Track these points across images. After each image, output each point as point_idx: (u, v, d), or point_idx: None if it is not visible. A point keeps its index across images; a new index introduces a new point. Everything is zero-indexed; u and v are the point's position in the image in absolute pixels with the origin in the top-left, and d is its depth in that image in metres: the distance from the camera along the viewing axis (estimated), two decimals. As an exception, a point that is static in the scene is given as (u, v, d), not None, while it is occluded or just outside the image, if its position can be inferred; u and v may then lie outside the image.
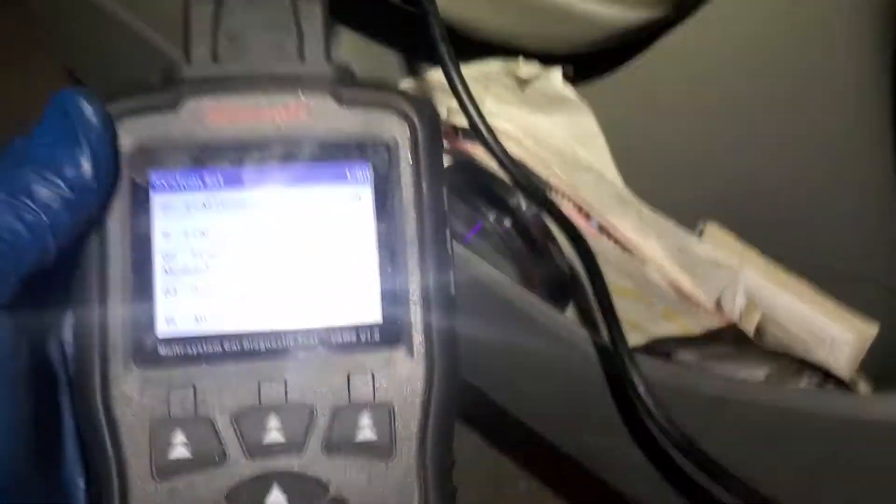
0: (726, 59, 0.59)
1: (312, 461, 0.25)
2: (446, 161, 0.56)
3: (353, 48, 0.66)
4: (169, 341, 0.25)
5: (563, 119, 0.56)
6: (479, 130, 0.36)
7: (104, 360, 0.24)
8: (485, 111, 0.36)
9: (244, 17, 0.26)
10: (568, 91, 0.56)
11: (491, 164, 0.54)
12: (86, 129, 0.23)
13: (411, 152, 0.26)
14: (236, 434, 0.24)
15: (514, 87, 0.57)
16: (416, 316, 0.26)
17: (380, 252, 0.26)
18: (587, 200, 0.53)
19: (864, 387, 0.49)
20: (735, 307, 0.49)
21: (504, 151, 0.37)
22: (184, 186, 0.25)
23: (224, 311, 0.25)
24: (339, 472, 0.25)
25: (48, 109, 0.23)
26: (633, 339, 0.52)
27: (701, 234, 0.54)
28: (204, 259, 0.25)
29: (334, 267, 0.26)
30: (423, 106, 0.27)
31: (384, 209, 0.26)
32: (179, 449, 0.24)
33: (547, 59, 0.57)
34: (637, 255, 0.51)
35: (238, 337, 0.25)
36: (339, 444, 0.25)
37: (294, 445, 0.25)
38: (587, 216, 0.54)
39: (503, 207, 0.53)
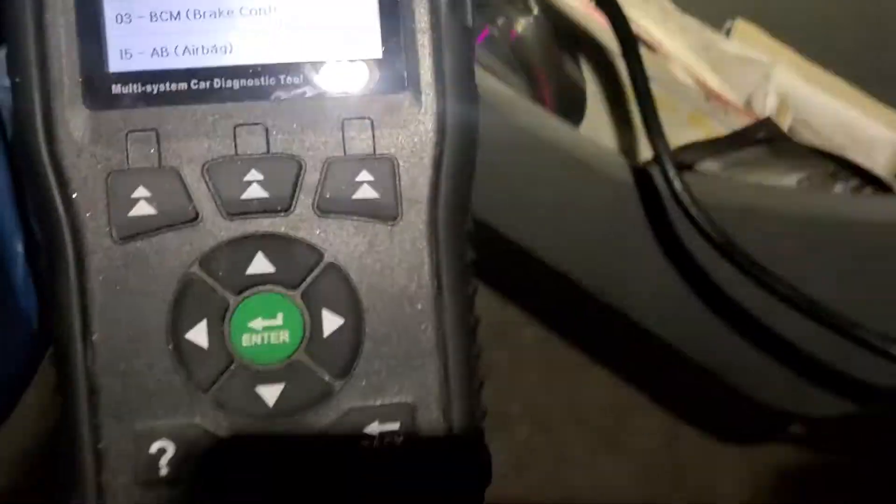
0: None
1: (302, 223, 0.21)
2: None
3: None
4: (124, 77, 0.21)
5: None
6: None
7: (47, 102, 0.21)
8: None
9: None
10: None
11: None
12: None
13: None
14: (209, 188, 0.21)
15: None
16: (424, 50, 0.22)
17: None
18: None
19: (904, 191, 0.46)
20: (766, 108, 0.45)
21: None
22: None
23: (191, 41, 0.21)
24: (334, 237, 0.21)
25: None
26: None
27: (729, 32, 0.50)
28: None
29: None
30: None
31: None
32: (142, 205, 0.21)
33: None
34: (661, 53, 0.48)
35: (208, 72, 0.21)
36: (334, 203, 0.21)
37: (279, 204, 0.21)
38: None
39: (512, 10, 0.49)
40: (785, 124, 0.46)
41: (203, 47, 0.21)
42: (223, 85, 0.21)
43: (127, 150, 0.21)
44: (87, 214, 0.21)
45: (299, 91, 0.21)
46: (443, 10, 0.21)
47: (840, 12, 0.50)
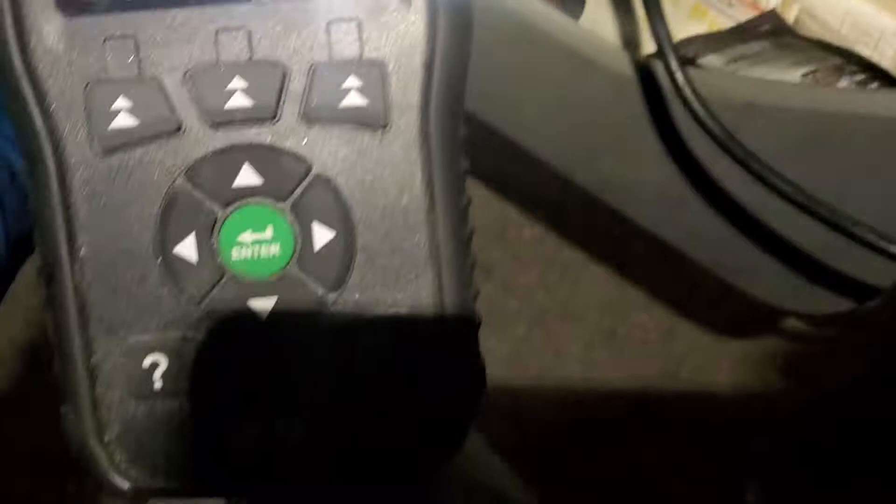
0: None
1: (289, 132, 0.20)
2: None
3: None
4: None
5: None
6: None
7: (18, 8, 0.20)
8: None
9: None
10: None
11: None
12: None
13: None
14: (191, 97, 0.20)
15: None
16: None
17: None
18: None
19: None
20: (771, 1, 0.44)
21: None
22: None
23: None
24: (321, 146, 0.20)
25: None
26: (654, 46, 0.48)
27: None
28: None
29: None
30: None
31: None
32: (123, 117, 0.20)
33: None
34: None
35: None
36: (321, 110, 0.20)
37: (264, 112, 0.20)
38: None
39: None
40: (790, 16, 0.45)
41: None
42: None
43: (105, 58, 0.20)
44: (67, 127, 0.20)
45: None
46: None
47: None
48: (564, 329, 0.88)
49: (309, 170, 0.20)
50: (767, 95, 0.42)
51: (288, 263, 0.21)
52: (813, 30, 0.45)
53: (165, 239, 0.20)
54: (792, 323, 0.78)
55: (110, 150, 0.20)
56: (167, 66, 0.20)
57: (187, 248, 0.20)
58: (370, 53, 0.20)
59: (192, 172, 0.20)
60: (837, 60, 0.42)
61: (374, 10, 0.20)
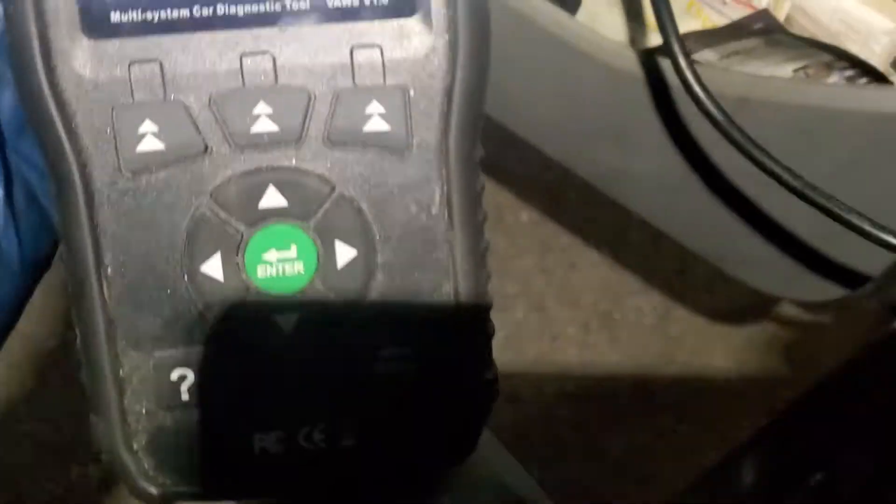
0: None
1: (313, 155, 0.21)
2: None
3: None
4: (122, 3, 0.20)
5: None
6: None
7: (44, 31, 0.20)
8: None
9: None
10: None
11: None
12: None
13: None
14: (217, 121, 0.20)
15: None
16: None
17: None
18: None
19: (899, 80, 0.46)
20: (763, -2, 0.45)
21: None
22: None
23: None
24: (345, 168, 0.21)
25: None
26: (651, 39, 0.49)
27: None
28: None
29: None
30: None
31: None
32: (150, 140, 0.20)
33: None
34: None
35: None
36: (344, 134, 0.21)
37: (289, 136, 0.21)
38: None
39: None
40: (782, 12, 0.45)
41: None
42: (227, 11, 0.20)
43: (130, 82, 0.20)
44: (94, 149, 0.20)
45: (306, 16, 0.20)
46: None
47: None
48: (561, 313, 0.89)
49: (332, 190, 0.21)
50: (760, 90, 0.43)
51: (311, 280, 0.21)
52: (804, 26, 0.46)
53: (192, 258, 0.21)
54: (786, 308, 0.79)
55: (137, 172, 0.20)
56: (193, 90, 0.20)
57: (213, 267, 0.21)
58: (393, 79, 0.21)
59: (217, 193, 0.21)
60: (828, 57, 0.43)
61: (396, 36, 0.21)
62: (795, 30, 0.46)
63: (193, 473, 0.22)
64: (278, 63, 0.20)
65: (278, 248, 0.21)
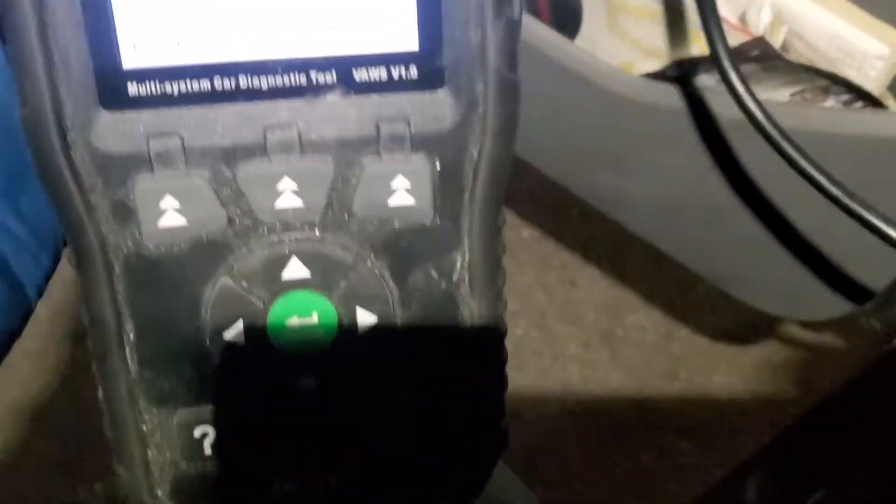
0: None
1: (336, 227, 0.20)
2: None
3: None
4: (140, 75, 0.19)
5: None
6: None
7: (59, 102, 0.19)
8: None
9: None
10: None
11: None
12: None
13: None
14: (240, 196, 0.20)
15: None
16: (465, 45, 0.19)
17: None
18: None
19: (894, 105, 0.46)
20: (760, 23, 0.45)
21: None
22: None
23: (211, 34, 0.19)
24: (368, 240, 0.20)
25: None
26: (649, 65, 0.50)
27: (724, -57, 0.50)
28: None
29: None
30: None
31: None
32: (171, 215, 0.20)
33: None
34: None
35: (232, 69, 0.19)
36: (369, 208, 0.20)
37: (314, 211, 0.20)
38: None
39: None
40: (779, 38, 0.46)
41: (225, 40, 0.19)
42: (250, 84, 0.19)
43: (150, 155, 0.19)
44: (114, 224, 0.20)
45: (333, 89, 0.20)
46: (488, 3, 0.19)
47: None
48: (563, 330, 0.89)
49: (355, 261, 0.21)
50: (758, 113, 0.44)
51: (331, 344, 0.21)
52: (801, 52, 0.46)
53: (214, 325, 0.20)
54: (788, 326, 0.79)
55: (159, 246, 0.20)
56: (215, 164, 0.19)
57: (235, 334, 0.21)
58: (419, 152, 0.20)
59: (240, 265, 0.20)
60: (824, 82, 0.44)
61: (423, 109, 0.20)
62: (792, 55, 0.46)
63: None
64: (303, 137, 0.20)
65: (300, 315, 0.21)
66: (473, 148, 0.20)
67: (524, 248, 0.93)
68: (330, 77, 0.20)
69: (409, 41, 0.20)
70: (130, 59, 0.19)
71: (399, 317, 0.21)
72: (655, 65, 0.48)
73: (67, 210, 0.20)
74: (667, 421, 0.83)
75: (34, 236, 0.23)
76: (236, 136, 0.19)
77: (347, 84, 0.20)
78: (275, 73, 0.19)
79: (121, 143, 0.19)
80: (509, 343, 0.22)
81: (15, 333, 0.24)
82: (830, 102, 0.45)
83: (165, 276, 0.20)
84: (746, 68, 0.44)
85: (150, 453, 0.21)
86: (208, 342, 0.21)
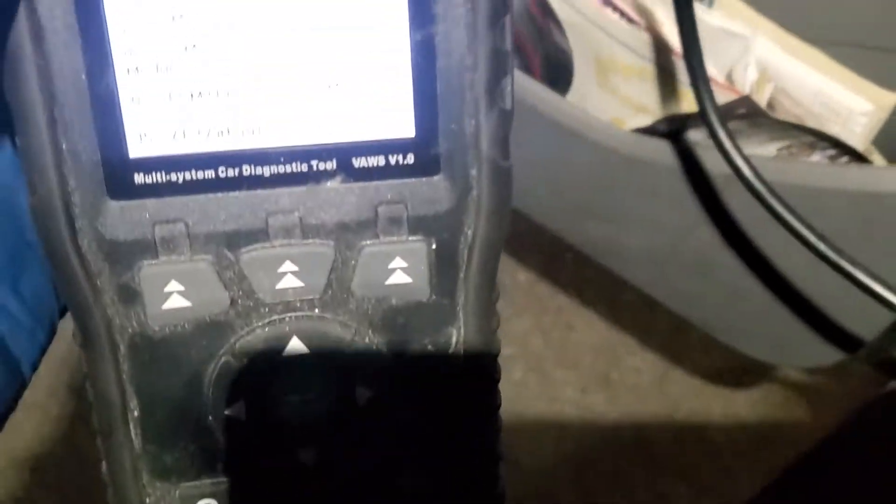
0: None
1: (336, 306, 0.21)
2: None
3: None
4: (145, 164, 0.20)
5: None
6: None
7: (67, 193, 0.19)
8: None
9: None
10: None
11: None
12: None
13: None
14: (243, 280, 0.20)
15: None
16: (460, 133, 0.20)
17: (412, 36, 0.20)
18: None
19: (879, 159, 0.47)
20: (746, 80, 0.46)
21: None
22: None
23: (214, 124, 0.20)
24: (366, 318, 0.21)
25: None
26: (638, 121, 0.51)
27: (711, 2, 0.51)
28: (181, 52, 0.19)
29: (352, 63, 0.20)
30: None
31: None
32: (176, 298, 0.20)
33: None
34: (643, 26, 0.48)
35: (236, 158, 0.20)
36: (367, 288, 0.21)
37: (314, 291, 0.21)
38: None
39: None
40: (765, 95, 0.47)
41: (228, 130, 0.20)
42: (253, 172, 0.20)
43: (155, 242, 0.20)
44: (119, 307, 0.20)
45: (332, 176, 0.20)
46: (481, 95, 0.20)
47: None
48: (560, 373, 0.90)
49: (354, 338, 0.21)
50: (746, 168, 0.45)
51: (333, 418, 0.22)
52: (786, 106, 0.47)
53: (217, 402, 0.21)
54: (784, 368, 0.80)
55: (163, 327, 0.21)
56: (218, 249, 0.20)
57: (238, 411, 0.21)
58: (416, 234, 0.21)
59: (242, 344, 0.21)
60: (810, 138, 0.45)
61: (420, 194, 0.20)
62: (779, 112, 0.47)
63: None
64: (304, 221, 0.20)
65: (301, 392, 0.22)
66: (468, 229, 0.21)
67: (521, 291, 0.94)
68: (330, 165, 0.20)
69: (406, 130, 0.20)
70: (137, 149, 0.20)
71: (396, 390, 0.22)
72: (646, 120, 0.49)
73: (74, 293, 0.20)
74: (664, 463, 0.83)
75: (31, 314, 0.23)
76: (239, 222, 0.20)
77: (347, 171, 0.20)
78: (277, 161, 0.20)
79: (127, 231, 0.20)
80: (506, 387, 0.23)
81: (10, 410, 0.24)
82: (816, 157, 0.46)
83: (169, 355, 0.21)
84: (734, 125, 0.45)
85: None
86: (210, 418, 0.21)
